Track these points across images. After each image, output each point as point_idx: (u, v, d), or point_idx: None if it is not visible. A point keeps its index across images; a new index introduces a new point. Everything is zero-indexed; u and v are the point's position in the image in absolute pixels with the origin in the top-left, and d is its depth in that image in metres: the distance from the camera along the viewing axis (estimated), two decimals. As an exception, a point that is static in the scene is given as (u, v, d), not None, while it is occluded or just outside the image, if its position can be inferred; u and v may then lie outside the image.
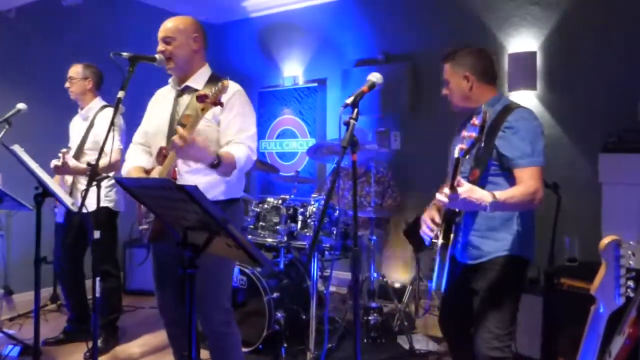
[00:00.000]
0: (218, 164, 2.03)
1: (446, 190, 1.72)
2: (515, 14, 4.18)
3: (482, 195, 1.75)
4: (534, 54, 4.03)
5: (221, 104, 1.93)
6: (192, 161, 2.12)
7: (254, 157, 2.26)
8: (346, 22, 5.12)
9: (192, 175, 2.22)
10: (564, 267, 3.11)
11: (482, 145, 1.73)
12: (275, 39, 5.67)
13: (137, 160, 2.41)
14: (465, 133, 1.68)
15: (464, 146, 1.67)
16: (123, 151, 3.17)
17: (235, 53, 5.87)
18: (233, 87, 2.26)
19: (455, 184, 1.69)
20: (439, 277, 1.93)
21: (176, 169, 2.18)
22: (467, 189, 1.71)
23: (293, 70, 5.53)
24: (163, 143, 2.28)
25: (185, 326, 2.25)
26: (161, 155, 2.23)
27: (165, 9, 5.25)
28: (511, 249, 2.02)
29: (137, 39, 4.79)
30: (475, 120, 1.66)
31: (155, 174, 2.23)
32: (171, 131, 2.27)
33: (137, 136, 2.52)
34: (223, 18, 5.94)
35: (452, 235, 1.94)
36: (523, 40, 4.13)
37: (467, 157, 1.70)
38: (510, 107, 2.04)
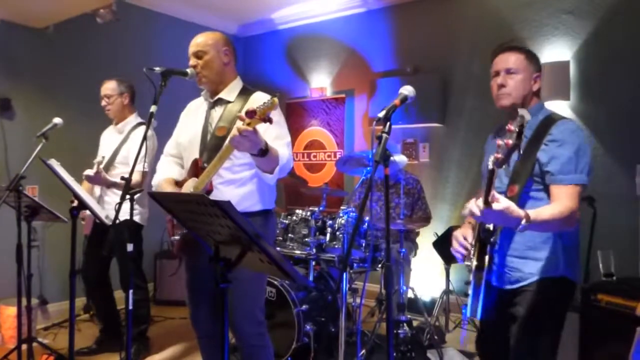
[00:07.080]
0: (266, 150, 2.01)
1: (480, 203, 1.54)
2: (547, 23, 4.10)
3: (518, 214, 1.58)
4: (566, 63, 3.95)
5: (270, 121, 1.90)
6: (245, 151, 2.04)
7: (291, 164, 2.26)
8: (374, 34, 5.11)
9: (226, 186, 2.25)
10: (600, 282, 3.02)
11: (521, 152, 1.50)
12: (302, 50, 5.70)
13: (169, 172, 2.45)
14: (499, 141, 1.46)
15: (500, 155, 1.45)
16: (148, 173, 3.21)
17: (263, 65, 5.93)
18: (266, 97, 2.29)
19: (490, 199, 1.51)
20: (473, 303, 1.79)
21: (212, 181, 2.20)
22: (502, 207, 1.53)
23: (320, 81, 5.55)
24: (196, 155, 2.31)
25: (217, 338, 2.26)
26: (196, 167, 2.26)
27: (194, 22, 5.37)
28: (555, 270, 1.85)
29: (168, 53, 4.92)
30: (512, 126, 1.46)
31: (189, 186, 2.25)
32: (204, 143, 2.31)
33: (169, 147, 2.56)
34: (251, 30, 6.01)
35: (487, 258, 1.80)
36: (556, 50, 4.05)
37: (503, 167, 1.49)
38: (552, 118, 1.89)
